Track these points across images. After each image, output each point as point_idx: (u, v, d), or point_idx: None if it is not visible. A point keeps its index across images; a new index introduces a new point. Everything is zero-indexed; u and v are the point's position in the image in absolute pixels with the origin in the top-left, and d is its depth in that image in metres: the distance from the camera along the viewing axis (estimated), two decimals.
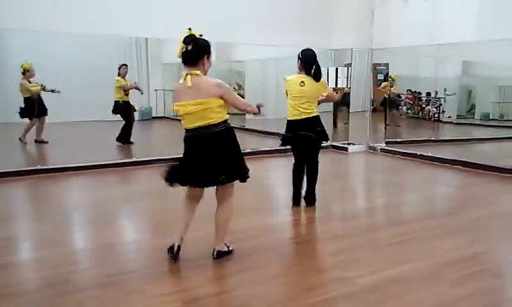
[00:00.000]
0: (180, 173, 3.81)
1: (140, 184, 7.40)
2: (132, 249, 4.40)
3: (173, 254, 3.83)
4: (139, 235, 4.89)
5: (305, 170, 5.54)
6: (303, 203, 5.60)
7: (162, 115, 15.02)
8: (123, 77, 9.90)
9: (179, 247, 3.83)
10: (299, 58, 5.35)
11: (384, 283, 3.56)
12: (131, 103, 10.10)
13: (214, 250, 3.95)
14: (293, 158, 5.63)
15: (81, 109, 11.46)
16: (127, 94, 9.94)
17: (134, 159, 8.32)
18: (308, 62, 5.29)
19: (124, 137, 9.91)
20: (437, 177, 7.95)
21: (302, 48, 5.39)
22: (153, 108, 14.67)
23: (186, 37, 3.69)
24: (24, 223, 5.26)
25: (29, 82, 9.51)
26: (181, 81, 3.68)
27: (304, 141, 5.38)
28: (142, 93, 10.46)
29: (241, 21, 8.43)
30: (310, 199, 5.58)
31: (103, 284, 3.54)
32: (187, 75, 3.67)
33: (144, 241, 4.61)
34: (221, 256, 3.96)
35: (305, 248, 4.46)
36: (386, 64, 12.83)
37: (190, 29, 3.76)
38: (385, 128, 12.11)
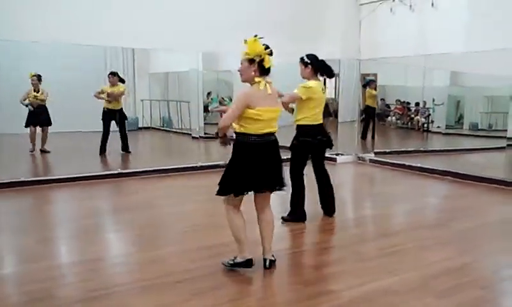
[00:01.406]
0: (242, 181, 3.80)
1: (126, 196, 7.30)
2: (118, 262, 4.33)
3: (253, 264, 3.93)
4: (126, 248, 4.82)
5: (317, 179, 5.59)
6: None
7: (149, 125, 14.93)
8: (113, 85, 9.89)
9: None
10: (307, 64, 5.27)
11: (372, 295, 3.53)
12: (116, 110, 10.03)
13: (265, 260, 4.00)
14: (297, 168, 5.41)
15: (66, 119, 11.29)
16: (109, 102, 9.90)
17: (119, 170, 8.24)
18: (319, 65, 5.28)
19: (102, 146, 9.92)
20: (426, 188, 7.95)
21: (306, 54, 5.33)
22: (140, 118, 14.57)
23: (268, 48, 3.79)
24: (7, 236, 5.18)
25: (35, 90, 9.72)
26: (261, 87, 3.76)
27: (322, 146, 5.43)
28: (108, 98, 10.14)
29: (228, 30, 8.39)
30: (332, 209, 5.66)
31: (88, 298, 3.48)
32: (266, 83, 3.80)
33: (131, 255, 4.55)
34: (273, 264, 4.03)
35: (292, 260, 4.41)
36: (375, 75, 12.87)
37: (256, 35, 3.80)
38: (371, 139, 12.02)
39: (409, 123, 15.17)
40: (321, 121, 5.41)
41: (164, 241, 4.92)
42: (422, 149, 11.76)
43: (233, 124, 3.82)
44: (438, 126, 14.31)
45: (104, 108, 9.94)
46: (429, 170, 8.67)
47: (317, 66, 5.28)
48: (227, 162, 3.89)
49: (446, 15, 8.50)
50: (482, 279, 3.99)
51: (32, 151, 9.78)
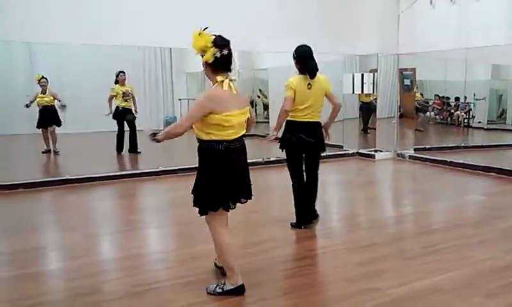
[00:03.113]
0: (224, 193, 3.38)
1: (166, 193, 7.38)
2: (160, 258, 4.39)
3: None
4: (168, 244, 4.89)
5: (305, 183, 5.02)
6: None
7: None
8: (123, 84, 9.98)
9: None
10: (293, 58, 4.85)
11: (418, 294, 3.46)
12: (130, 109, 10.12)
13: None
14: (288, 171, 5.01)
15: (109, 119, 11.55)
16: (126, 100, 9.98)
17: (161, 168, 8.34)
18: (302, 62, 4.79)
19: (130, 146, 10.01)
20: (468, 184, 7.75)
21: (296, 47, 4.86)
22: (178, 117, 14.74)
23: (218, 40, 3.32)
24: (51, 233, 5.35)
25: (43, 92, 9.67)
26: (225, 88, 3.26)
27: (306, 147, 4.88)
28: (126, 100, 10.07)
29: (264, 29, 8.43)
30: (315, 214, 5.08)
31: (132, 294, 3.54)
32: (229, 81, 3.31)
33: (173, 251, 4.61)
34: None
35: (334, 257, 4.36)
36: (413, 69, 12.63)
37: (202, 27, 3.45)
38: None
39: (449, 119, 14.83)
40: (311, 120, 4.82)
41: (206, 238, 4.92)
42: (463, 145, 11.48)
43: (197, 131, 3.38)
44: (480, 122, 13.94)
45: (122, 107, 10.04)
46: (471, 166, 8.45)
47: (300, 63, 4.81)
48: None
49: (488, 7, 8.28)
50: None
51: (44, 152, 9.74)
